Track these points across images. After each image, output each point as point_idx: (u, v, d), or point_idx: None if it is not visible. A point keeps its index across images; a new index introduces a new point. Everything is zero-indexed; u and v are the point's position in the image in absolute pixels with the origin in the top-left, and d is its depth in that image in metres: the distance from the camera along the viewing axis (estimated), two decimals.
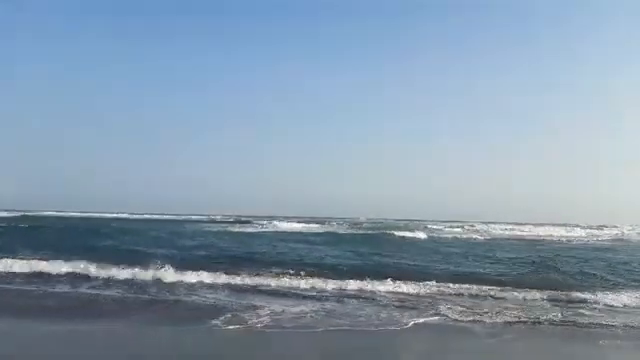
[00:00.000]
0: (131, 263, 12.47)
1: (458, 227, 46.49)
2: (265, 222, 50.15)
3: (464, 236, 35.00)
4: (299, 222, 48.72)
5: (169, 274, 11.52)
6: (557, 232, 42.01)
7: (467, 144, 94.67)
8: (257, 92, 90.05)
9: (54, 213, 65.02)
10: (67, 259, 12.83)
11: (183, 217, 66.02)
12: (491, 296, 10.27)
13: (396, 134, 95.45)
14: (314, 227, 42.58)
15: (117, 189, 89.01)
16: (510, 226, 49.15)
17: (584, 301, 9.91)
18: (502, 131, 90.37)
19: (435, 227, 45.85)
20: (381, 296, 10.17)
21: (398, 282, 11.11)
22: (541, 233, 40.69)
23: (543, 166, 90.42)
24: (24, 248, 16.03)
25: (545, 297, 10.10)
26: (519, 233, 41.24)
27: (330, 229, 40.43)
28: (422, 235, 33.75)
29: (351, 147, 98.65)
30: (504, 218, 63.39)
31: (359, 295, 10.22)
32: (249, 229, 38.60)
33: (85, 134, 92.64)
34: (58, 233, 27.16)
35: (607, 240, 33.60)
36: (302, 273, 12.18)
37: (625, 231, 44.79)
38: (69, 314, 8.07)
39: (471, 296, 10.32)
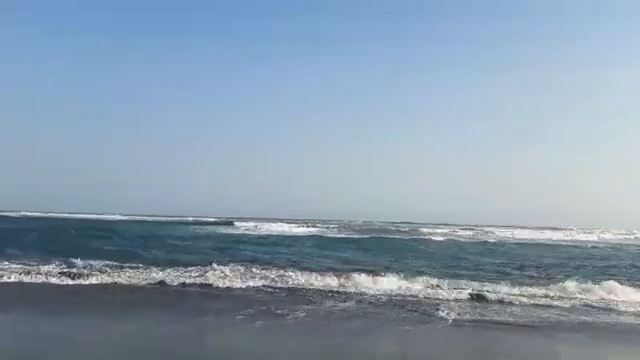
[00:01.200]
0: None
1: (462, 230, 47.01)
2: (255, 224, 49.63)
3: (474, 240, 35.21)
4: (300, 226, 48.36)
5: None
6: (556, 235, 42.80)
7: (462, 145, 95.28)
8: (254, 91, 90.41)
9: (31, 214, 63.85)
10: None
11: (167, 219, 65.33)
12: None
13: (394, 135, 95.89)
14: (316, 230, 42.64)
15: (97, 190, 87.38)
16: (511, 230, 49.86)
17: None
18: (501, 133, 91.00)
19: (439, 231, 46.10)
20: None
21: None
22: (544, 237, 41.30)
23: (536, 169, 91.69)
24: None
25: None
26: (521, 236, 41.76)
27: (344, 233, 40.11)
28: (440, 237, 34.71)
29: (346, 149, 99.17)
30: (495, 222, 64.09)
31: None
32: (254, 232, 38.77)
33: (70, 133, 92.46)
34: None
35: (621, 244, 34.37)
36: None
37: (621, 235, 46.11)
38: None
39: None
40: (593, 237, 41.78)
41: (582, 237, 41.57)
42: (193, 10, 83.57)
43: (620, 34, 78.47)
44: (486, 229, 51.43)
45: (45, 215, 64.69)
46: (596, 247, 29.99)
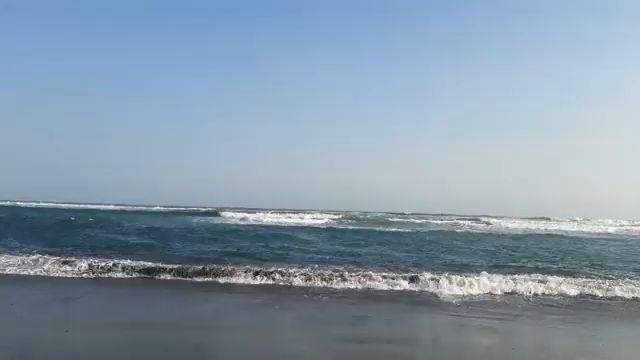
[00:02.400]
0: None
1: (466, 220, 45.73)
2: (251, 215, 46.91)
3: (486, 231, 33.87)
4: (304, 217, 46.14)
5: None
6: (565, 226, 41.81)
7: (459, 138, 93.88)
8: (254, 86, 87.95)
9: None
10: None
11: (159, 209, 63.18)
12: None
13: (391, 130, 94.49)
14: (325, 221, 40.97)
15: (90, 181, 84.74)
16: (511, 220, 48.80)
17: None
18: (497, 127, 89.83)
19: (440, 222, 44.62)
20: None
21: None
22: (553, 228, 40.28)
23: (533, 161, 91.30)
24: None
25: None
26: (529, 227, 40.62)
27: (343, 225, 38.16)
28: (459, 230, 34.35)
29: (346, 144, 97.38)
30: (491, 212, 63.15)
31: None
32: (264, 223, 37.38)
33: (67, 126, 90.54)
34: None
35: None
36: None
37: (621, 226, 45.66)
38: None
39: None
40: (606, 229, 40.74)
41: (598, 229, 40.42)
42: (193, 11, 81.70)
43: (616, 30, 77.73)
44: (484, 219, 50.19)
45: (38, 205, 64.27)
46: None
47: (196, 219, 40.36)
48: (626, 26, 71.87)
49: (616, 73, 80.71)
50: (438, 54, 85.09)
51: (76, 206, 63.50)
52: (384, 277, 10.92)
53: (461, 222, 45.69)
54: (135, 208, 63.51)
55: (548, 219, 55.75)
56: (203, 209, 62.05)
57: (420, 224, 41.77)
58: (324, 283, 10.58)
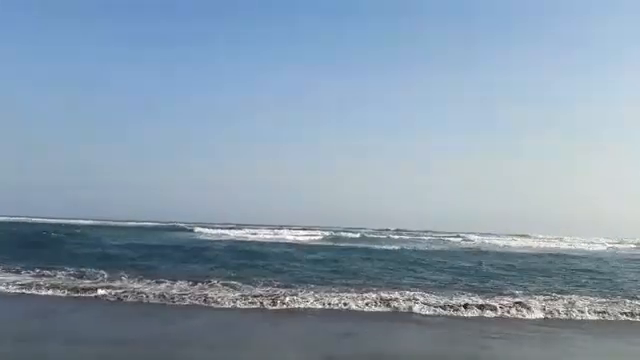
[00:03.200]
0: None
1: (450, 237, 46.09)
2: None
3: (467, 248, 33.94)
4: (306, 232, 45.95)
5: None
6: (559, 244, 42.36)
7: (450, 149, 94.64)
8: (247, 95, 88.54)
9: None
10: None
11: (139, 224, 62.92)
12: None
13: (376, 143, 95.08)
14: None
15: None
16: (497, 237, 49.43)
17: None
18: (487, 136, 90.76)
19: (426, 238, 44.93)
20: None
21: None
22: (551, 246, 40.90)
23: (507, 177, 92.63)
24: None
25: None
26: (509, 244, 41.13)
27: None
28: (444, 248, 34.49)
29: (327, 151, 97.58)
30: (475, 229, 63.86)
31: None
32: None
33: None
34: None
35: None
36: None
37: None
38: None
39: None
40: (589, 247, 41.59)
41: (579, 246, 41.25)
42: (194, 15, 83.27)
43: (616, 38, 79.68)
44: (471, 236, 50.70)
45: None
46: None
47: (189, 234, 40.54)
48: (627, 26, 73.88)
49: (615, 74, 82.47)
50: (439, 64, 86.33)
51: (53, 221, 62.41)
52: (372, 296, 11.06)
53: (445, 239, 46.20)
54: (107, 223, 62.91)
55: (527, 236, 56.68)
56: (182, 223, 61.67)
57: (405, 241, 42.17)
58: (310, 301, 10.59)
